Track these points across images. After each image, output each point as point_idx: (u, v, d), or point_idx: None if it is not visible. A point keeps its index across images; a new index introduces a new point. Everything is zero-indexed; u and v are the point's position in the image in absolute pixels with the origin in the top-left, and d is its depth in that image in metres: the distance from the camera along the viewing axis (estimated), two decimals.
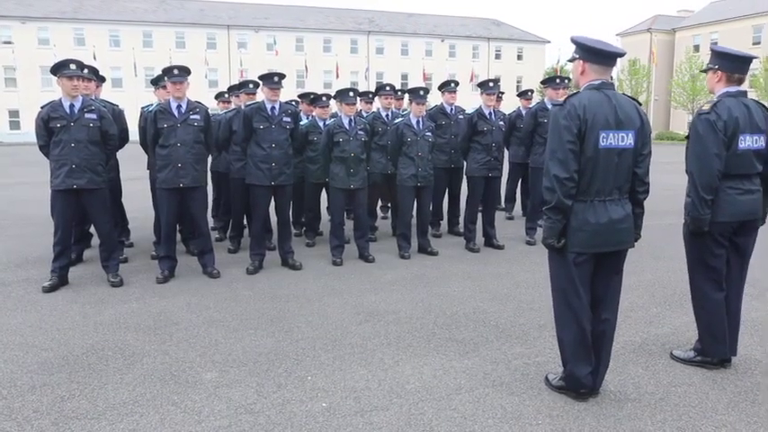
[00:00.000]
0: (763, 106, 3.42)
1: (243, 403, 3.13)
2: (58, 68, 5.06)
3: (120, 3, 47.41)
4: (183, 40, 46.84)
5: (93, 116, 5.15)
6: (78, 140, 5.04)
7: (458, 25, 55.37)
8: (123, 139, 6.18)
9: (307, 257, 6.35)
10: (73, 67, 5.08)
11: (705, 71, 3.50)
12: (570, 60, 3.11)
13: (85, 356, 3.73)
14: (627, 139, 2.94)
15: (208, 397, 3.20)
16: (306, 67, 42.88)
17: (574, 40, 3.04)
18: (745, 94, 3.37)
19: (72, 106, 5.09)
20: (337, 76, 42.69)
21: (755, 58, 3.54)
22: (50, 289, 5.10)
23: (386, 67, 49.71)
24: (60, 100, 5.12)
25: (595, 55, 2.98)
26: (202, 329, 4.22)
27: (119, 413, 3.02)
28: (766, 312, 4.58)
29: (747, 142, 3.29)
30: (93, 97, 6.01)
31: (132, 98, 30.54)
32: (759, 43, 43.79)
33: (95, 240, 6.26)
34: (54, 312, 4.58)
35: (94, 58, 37.51)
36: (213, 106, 8.57)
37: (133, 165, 9.68)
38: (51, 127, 5.04)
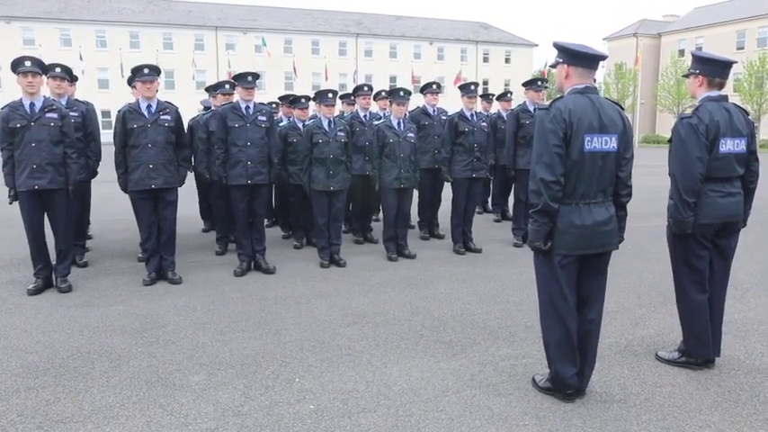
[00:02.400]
0: (744, 111, 3.49)
1: (230, 405, 3.12)
2: (15, 66, 4.88)
3: (106, 3, 47.03)
4: (171, 41, 46.58)
5: (55, 116, 5.00)
6: (39, 140, 4.91)
7: (446, 28, 55.56)
8: (94, 138, 6.07)
9: (294, 259, 6.35)
10: (28, 63, 4.89)
11: (687, 76, 3.56)
12: (553, 66, 3.15)
13: (71, 359, 3.70)
14: (610, 143, 2.99)
15: (195, 399, 3.19)
16: (294, 68, 42.79)
17: (557, 45, 3.09)
18: (726, 98, 3.44)
19: (32, 105, 4.94)
20: (326, 78, 42.65)
21: (735, 62, 3.60)
22: (35, 291, 5.05)
23: (374, 70, 49.69)
24: (21, 99, 4.97)
25: (579, 58, 3.02)
26: (189, 332, 4.20)
27: (105, 416, 3.00)
28: (749, 313, 4.64)
29: (728, 146, 3.35)
30: (68, 97, 5.91)
31: (119, 99, 30.25)
32: (743, 48, 44.41)
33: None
34: (39, 315, 4.54)
35: (81, 59, 37.24)
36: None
37: None
38: (12, 127, 4.89)
